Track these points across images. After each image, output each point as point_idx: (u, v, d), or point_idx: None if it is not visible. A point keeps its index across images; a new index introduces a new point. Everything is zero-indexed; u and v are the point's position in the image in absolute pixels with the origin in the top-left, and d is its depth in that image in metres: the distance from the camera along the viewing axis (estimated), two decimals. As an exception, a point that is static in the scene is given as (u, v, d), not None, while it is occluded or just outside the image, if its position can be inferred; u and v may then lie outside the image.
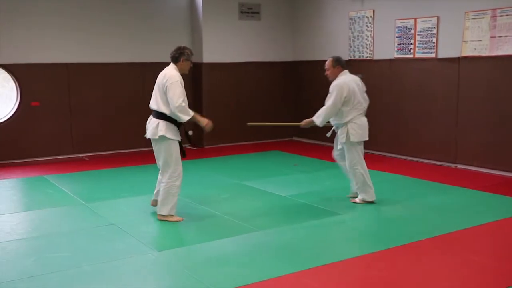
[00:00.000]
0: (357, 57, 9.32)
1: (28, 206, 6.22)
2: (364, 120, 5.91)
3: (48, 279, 3.99)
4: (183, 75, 5.39)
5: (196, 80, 9.98)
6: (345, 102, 5.77)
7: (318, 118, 5.91)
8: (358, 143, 5.91)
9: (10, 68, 8.53)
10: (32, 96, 8.71)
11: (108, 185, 7.02)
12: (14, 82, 8.64)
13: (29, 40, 8.58)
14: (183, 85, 5.30)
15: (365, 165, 5.96)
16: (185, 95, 5.28)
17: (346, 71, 5.95)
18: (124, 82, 9.44)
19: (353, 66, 9.38)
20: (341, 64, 5.93)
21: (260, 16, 10.39)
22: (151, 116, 5.42)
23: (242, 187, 6.92)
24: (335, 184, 6.96)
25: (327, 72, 6.00)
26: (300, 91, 10.76)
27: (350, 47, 9.43)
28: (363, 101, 5.93)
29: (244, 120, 10.55)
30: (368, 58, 9.13)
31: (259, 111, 10.53)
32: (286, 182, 7.13)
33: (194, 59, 10.09)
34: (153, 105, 5.38)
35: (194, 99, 9.96)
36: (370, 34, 9.03)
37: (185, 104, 5.23)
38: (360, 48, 9.24)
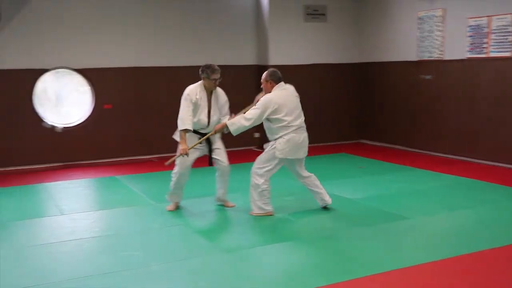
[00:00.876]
0: (426, 58, 9.08)
1: (102, 205, 6.46)
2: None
3: (120, 276, 4.13)
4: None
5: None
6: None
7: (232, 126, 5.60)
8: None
9: (85, 73, 8.89)
10: (104, 99, 9.04)
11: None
12: (89, 86, 8.99)
13: (101, 46, 8.90)
14: (197, 100, 5.73)
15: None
16: (190, 111, 5.65)
17: (280, 84, 5.66)
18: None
19: (422, 67, 9.19)
20: (273, 79, 5.66)
21: (326, 17, 10.31)
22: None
23: (307, 189, 6.88)
24: (403, 188, 6.81)
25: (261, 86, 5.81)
26: (366, 93, 10.61)
27: (419, 47, 9.20)
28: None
29: (309, 123, 10.54)
30: (438, 58, 8.87)
31: (324, 113, 10.47)
32: (353, 185, 7.04)
33: (260, 61, 10.28)
34: None
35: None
36: (440, 34, 8.77)
37: (180, 120, 5.62)
38: (430, 48, 8.99)
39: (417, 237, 5.09)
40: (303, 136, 5.68)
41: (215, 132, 5.73)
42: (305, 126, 5.74)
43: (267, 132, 5.74)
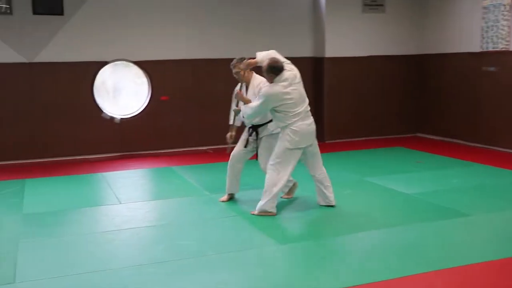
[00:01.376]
0: (490, 49, 8.73)
1: (158, 195, 6.57)
2: None
3: (176, 265, 4.18)
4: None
5: (318, 74, 9.94)
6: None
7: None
8: None
9: (142, 65, 9.04)
10: (161, 91, 9.17)
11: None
12: (146, 78, 9.15)
13: (158, 38, 9.02)
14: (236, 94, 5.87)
15: None
16: (233, 105, 5.94)
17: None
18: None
19: (485, 58, 8.85)
20: (274, 72, 5.33)
21: (385, 8, 10.08)
22: None
23: (364, 183, 6.78)
24: (463, 183, 6.59)
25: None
26: (425, 86, 10.31)
27: (482, 38, 8.86)
28: None
29: (365, 116, 10.41)
30: (503, 49, 8.51)
31: (380, 106, 10.27)
32: (410, 180, 6.86)
33: (316, 53, 10.16)
34: None
35: (315, 94, 9.93)
36: (507, 24, 8.41)
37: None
38: (494, 39, 8.64)
39: (479, 234, 4.90)
40: (310, 120, 5.48)
41: (235, 113, 5.86)
42: (309, 110, 5.53)
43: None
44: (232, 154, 5.89)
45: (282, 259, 4.32)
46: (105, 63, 8.81)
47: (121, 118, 8.98)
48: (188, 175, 7.32)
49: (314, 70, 9.96)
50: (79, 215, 5.63)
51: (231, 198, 6.02)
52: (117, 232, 4.97)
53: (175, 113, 9.27)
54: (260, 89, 5.50)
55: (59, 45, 8.44)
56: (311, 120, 5.50)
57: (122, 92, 9.40)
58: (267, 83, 5.41)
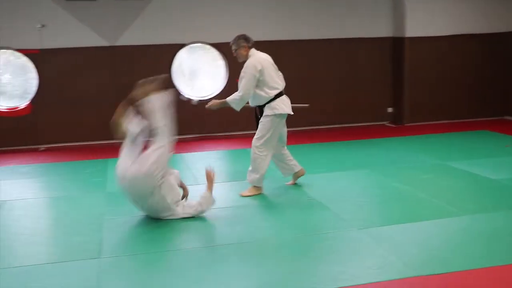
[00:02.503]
0: None
1: (233, 176, 6.62)
2: None
3: (255, 246, 4.21)
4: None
5: (397, 54, 9.62)
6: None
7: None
8: None
9: (219, 47, 9.10)
10: (237, 73, 9.17)
11: (308, 160, 7.13)
12: (223, 60, 9.20)
13: (235, 20, 9.02)
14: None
15: None
16: None
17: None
18: (328, 59, 9.47)
19: None
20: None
21: (470, -17, 9.59)
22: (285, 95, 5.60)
23: (446, 167, 6.51)
24: (556, 169, 6.20)
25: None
26: (513, 66, 9.75)
27: None
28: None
29: (447, 98, 9.99)
30: None
31: (465, 87, 9.82)
32: (497, 165, 6.52)
33: (395, 33, 9.83)
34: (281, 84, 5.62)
35: (394, 75, 9.64)
36: None
37: None
38: None
39: None
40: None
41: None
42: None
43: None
44: None
45: (359, 245, 4.21)
46: (182, 46, 8.94)
47: (199, 100, 9.09)
48: (265, 157, 7.31)
49: (393, 50, 9.65)
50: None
51: (297, 178, 5.93)
52: (195, 212, 5.03)
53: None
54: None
55: (139, 28, 8.65)
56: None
57: (198, 74, 9.50)
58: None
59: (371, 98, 9.72)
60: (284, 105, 5.49)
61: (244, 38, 5.50)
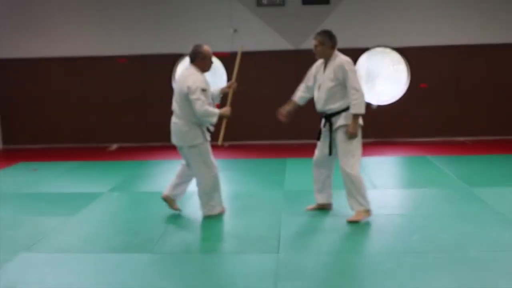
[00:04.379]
0: None
1: (412, 183, 6.43)
2: None
3: (432, 258, 4.03)
4: None
5: None
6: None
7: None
8: None
9: (402, 52, 8.91)
10: (421, 78, 8.92)
11: (495, 172, 6.66)
12: (405, 64, 8.99)
13: (419, 23, 8.76)
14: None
15: None
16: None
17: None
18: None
19: None
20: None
21: None
22: None
23: None
24: None
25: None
26: None
27: None
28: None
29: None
30: None
31: None
32: None
33: None
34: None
35: None
36: None
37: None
38: None
39: None
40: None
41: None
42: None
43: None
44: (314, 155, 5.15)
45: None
46: (365, 50, 8.92)
47: (378, 105, 8.99)
48: (445, 166, 7.00)
49: None
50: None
51: (321, 207, 5.23)
52: (372, 217, 4.99)
53: (431, 101, 8.95)
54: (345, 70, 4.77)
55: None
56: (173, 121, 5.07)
57: (377, 78, 9.41)
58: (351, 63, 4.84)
59: None
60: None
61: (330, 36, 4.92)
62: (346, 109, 4.78)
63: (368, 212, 4.89)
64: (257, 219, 5.10)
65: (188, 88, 4.80)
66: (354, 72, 4.80)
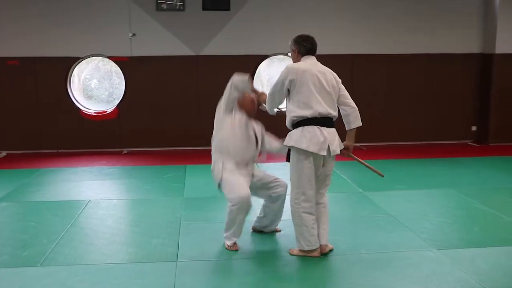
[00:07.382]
0: None
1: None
2: None
3: (330, 260, 4.16)
4: None
5: (486, 71, 9.24)
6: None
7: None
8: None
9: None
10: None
11: (388, 176, 6.95)
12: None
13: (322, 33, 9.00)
14: None
15: None
16: None
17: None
18: (411, 74, 9.28)
19: None
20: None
21: None
22: (322, 128, 4.16)
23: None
24: None
25: None
26: None
27: None
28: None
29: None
30: None
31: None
32: None
33: (484, 49, 9.44)
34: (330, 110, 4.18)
35: (480, 93, 9.29)
36: None
37: None
38: None
39: None
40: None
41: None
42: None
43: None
44: None
45: (437, 266, 4.06)
46: (264, 57, 9.04)
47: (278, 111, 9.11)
48: (341, 171, 7.23)
49: (481, 67, 9.29)
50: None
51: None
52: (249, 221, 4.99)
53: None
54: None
55: (223, 39, 8.83)
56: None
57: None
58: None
59: (454, 115, 9.41)
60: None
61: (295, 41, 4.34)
62: None
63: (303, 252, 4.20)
64: (157, 227, 4.99)
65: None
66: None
